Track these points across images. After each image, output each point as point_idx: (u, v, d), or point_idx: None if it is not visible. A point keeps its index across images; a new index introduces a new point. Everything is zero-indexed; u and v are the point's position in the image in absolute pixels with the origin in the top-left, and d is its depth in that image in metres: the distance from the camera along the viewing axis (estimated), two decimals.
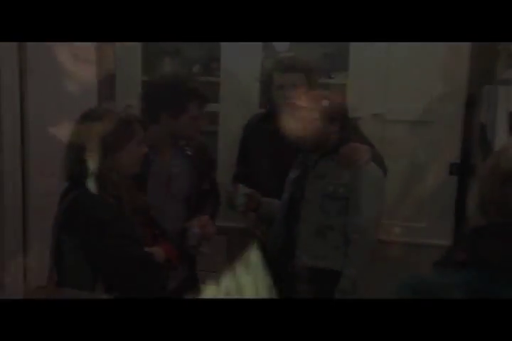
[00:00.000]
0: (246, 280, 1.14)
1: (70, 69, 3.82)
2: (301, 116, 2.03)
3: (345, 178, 2.02)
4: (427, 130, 2.52)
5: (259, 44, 2.68)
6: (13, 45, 3.35)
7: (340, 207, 2.03)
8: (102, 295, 1.56)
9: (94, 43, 4.03)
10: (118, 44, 2.84)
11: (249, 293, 1.13)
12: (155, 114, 2.06)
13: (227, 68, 2.72)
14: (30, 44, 3.42)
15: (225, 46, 2.70)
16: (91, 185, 1.60)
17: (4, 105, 3.33)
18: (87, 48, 4.05)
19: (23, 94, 3.48)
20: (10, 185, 3.41)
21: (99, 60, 4.24)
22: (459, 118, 2.47)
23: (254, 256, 1.19)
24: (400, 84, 2.51)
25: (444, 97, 2.47)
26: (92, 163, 1.61)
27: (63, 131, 3.82)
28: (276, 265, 2.06)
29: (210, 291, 1.12)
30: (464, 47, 2.41)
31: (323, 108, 2.02)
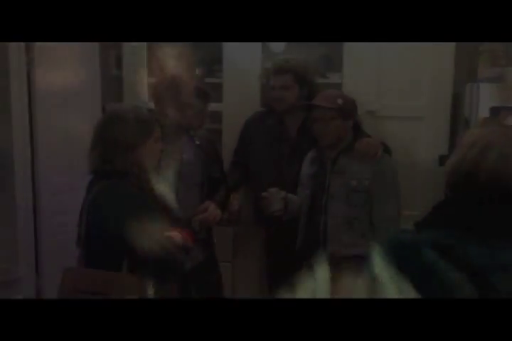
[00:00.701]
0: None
1: (76, 70, 3.98)
2: (319, 116, 2.15)
3: (368, 172, 2.14)
4: (418, 125, 2.68)
5: (259, 46, 2.84)
6: (21, 45, 3.50)
7: (364, 199, 2.15)
8: (127, 274, 1.73)
9: (98, 45, 4.20)
10: (125, 48, 2.99)
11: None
12: (162, 106, 2.26)
13: (229, 70, 2.87)
14: (37, 44, 3.58)
15: (227, 48, 2.85)
16: (115, 178, 1.77)
17: (14, 106, 3.49)
18: (92, 50, 4.21)
19: (31, 95, 3.63)
20: (20, 183, 3.57)
21: (102, 62, 4.40)
22: (446, 114, 2.64)
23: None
24: (391, 83, 2.68)
25: (432, 94, 2.64)
26: (116, 158, 1.76)
27: (71, 131, 3.99)
28: (307, 257, 2.22)
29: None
30: (449, 47, 2.59)
31: (339, 106, 2.14)
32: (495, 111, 2.32)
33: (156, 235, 1.74)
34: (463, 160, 1.12)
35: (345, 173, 2.17)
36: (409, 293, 0.98)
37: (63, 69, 3.92)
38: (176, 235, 1.84)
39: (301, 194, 2.29)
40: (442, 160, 2.63)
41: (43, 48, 3.64)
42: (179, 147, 2.29)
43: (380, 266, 1.03)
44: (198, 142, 2.33)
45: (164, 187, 1.94)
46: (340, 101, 2.14)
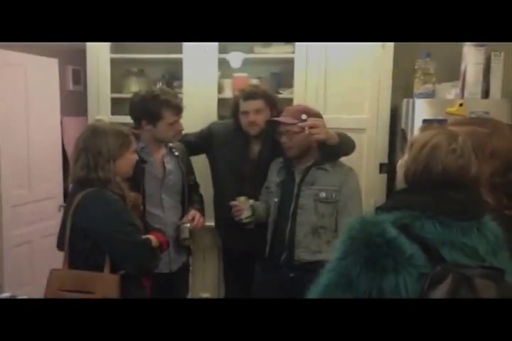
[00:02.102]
0: None
1: (36, 88, 4.09)
2: (285, 130, 2.29)
3: (336, 184, 2.28)
4: (361, 136, 2.91)
5: (215, 63, 3.05)
6: None
7: (332, 209, 2.28)
8: (108, 273, 1.90)
9: (57, 61, 4.31)
10: (89, 65, 3.12)
11: None
12: (138, 122, 2.43)
13: (188, 86, 3.05)
14: None
15: (186, 66, 3.04)
16: (98, 185, 1.93)
17: None
18: (51, 66, 4.31)
19: None
20: None
21: (61, 77, 4.51)
22: (385, 126, 2.92)
23: None
24: (337, 98, 2.94)
25: (373, 109, 2.92)
26: (99, 167, 1.93)
27: (31, 144, 4.07)
28: (275, 263, 2.32)
29: None
30: (387, 67, 2.89)
31: (303, 120, 2.27)
32: (426, 123, 2.62)
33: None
34: (417, 158, 1.32)
35: (314, 185, 2.29)
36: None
37: (24, 85, 4.02)
38: (152, 238, 2.03)
39: (270, 201, 2.42)
40: (382, 167, 2.91)
41: (4, 64, 3.74)
42: (161, 158, 2.47)
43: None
44: (176, 153, 2.51)
45: (137, 194, 2.12)
46: (304, 116, 2.29)
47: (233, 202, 2.40)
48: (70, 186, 2.03)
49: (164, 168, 2.46)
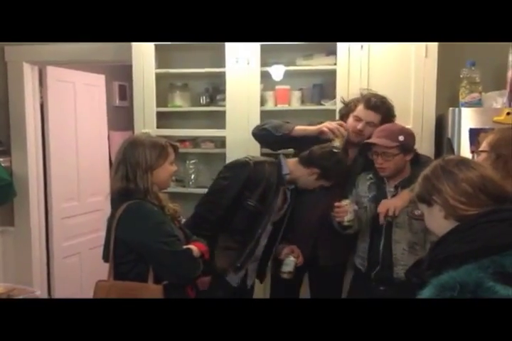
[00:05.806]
0: None
1: (84, 103, 4.22)
2: (381, 151, 2.29)
3: None
4: None
5: (258, 76, 3.07)
6: (36, 79, 3.74)
7: (424, 226, 2.13)
8: (152, 284, 1.93)
9: (104, 77, 4.44)
10: (135, 80, 3.20)
11: None
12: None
13: (231, 99, 3.08)
14: (49, 82, 3.83)
15: (229, 79, 3.07)
16: (137, 196, 1.96)
17: (29, 138, 3.72)
18: (98, 82, 4.45)
19: (44, 127, 3.86)
20: (35, 207, 3.77)
21: (108, 94, 4.65)
22: (431, 136, 2.87)
23: None
24: None
25: (418, 119, 2.87)
26: (138, 178, 1.96)
27: (80, 159, 4.19)
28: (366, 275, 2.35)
29: None
30: (431, 77, 2.85)
31: (401, 143, 2.28)
32: (473, 132, 2.56)
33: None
34: (458, 186, 1.31)
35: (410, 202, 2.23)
36: None
37: (73, 101, 4.16)
38: (193, 248, 2.04)
39: (363, 215, 2.42)
40: None
41: (55, 81, 3.89)
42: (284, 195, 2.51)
43: None
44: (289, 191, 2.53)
45: (176, 205, 2.13)
46: (401, 138, 2.28)
47: (337, 203, 2.34)
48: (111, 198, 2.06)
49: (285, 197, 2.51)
